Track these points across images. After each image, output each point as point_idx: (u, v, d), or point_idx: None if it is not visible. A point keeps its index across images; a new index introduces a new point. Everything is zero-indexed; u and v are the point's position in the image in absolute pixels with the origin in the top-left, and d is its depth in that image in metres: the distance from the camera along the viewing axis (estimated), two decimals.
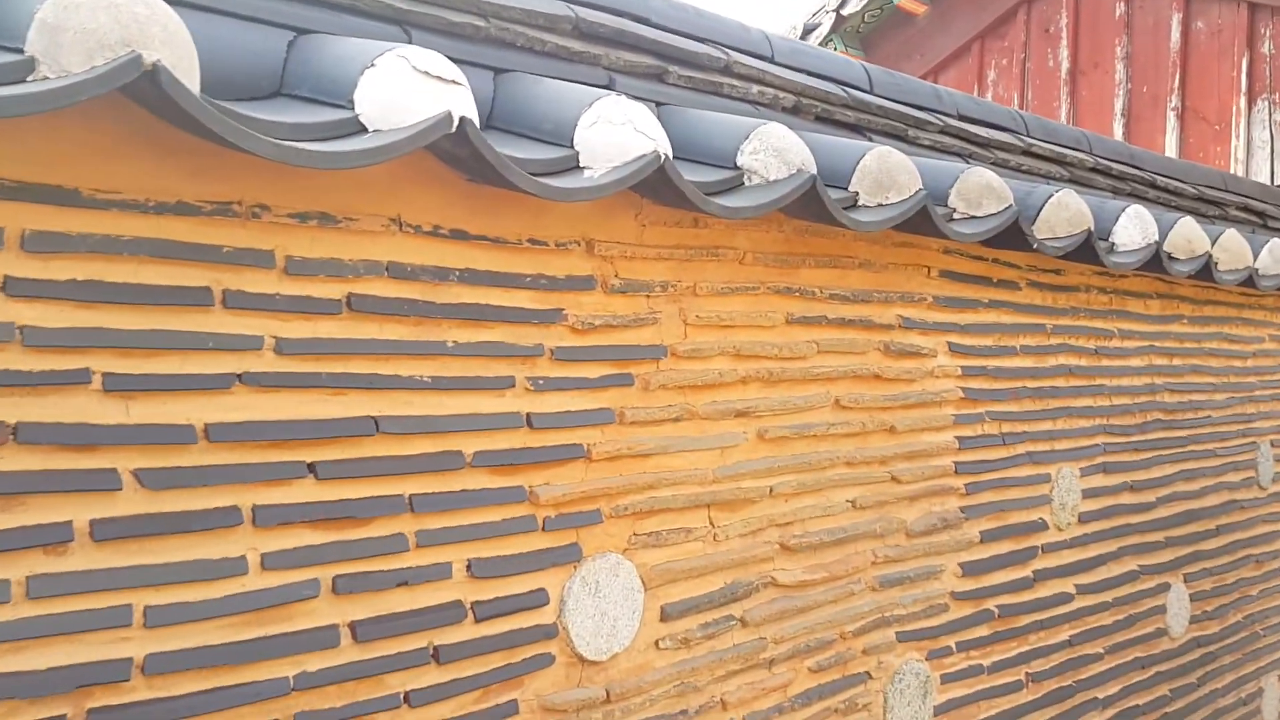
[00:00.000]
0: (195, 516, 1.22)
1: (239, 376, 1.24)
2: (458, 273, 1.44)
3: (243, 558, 1.26)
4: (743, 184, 1.73)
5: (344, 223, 1.31)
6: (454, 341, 1.44)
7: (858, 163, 1.93)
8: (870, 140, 2.26)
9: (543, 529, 1.55)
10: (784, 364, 1.94)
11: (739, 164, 1.72)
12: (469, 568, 1.47)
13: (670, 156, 1.49)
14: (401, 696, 1.40)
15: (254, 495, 1.27)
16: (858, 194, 1.93)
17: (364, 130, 1.22)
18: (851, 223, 1.84)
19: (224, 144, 1.05)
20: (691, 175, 1.65)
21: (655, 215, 1.68)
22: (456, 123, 1.23)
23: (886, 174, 1.94)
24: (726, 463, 1.85)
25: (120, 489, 1.16)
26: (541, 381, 1.54)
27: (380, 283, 1.36)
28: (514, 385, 1.51)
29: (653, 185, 1.54)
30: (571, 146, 1.49)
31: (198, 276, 1.21)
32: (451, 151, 1.29)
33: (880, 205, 1.95)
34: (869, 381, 2.14)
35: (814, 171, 1.73)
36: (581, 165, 1.48)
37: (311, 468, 1.31)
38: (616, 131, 1.47)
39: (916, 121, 2.48)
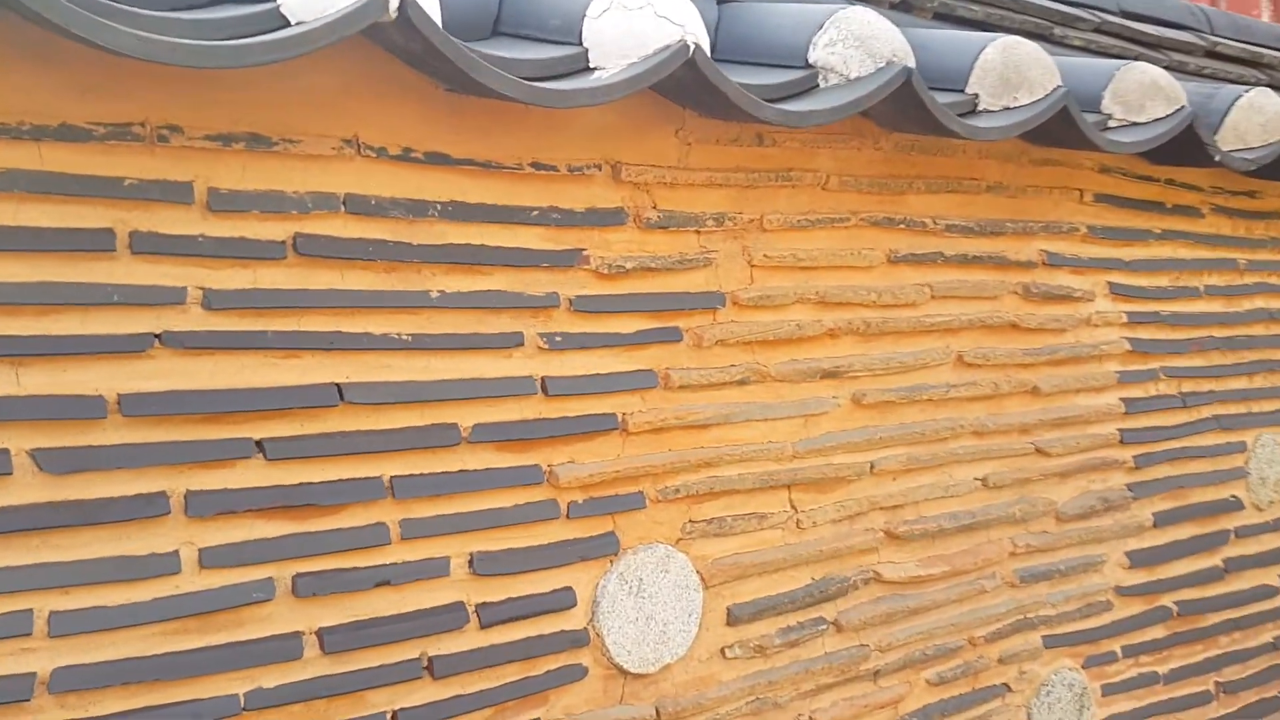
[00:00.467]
0: (110, 505, 1.01)
1: (158, 337, 1.02)
2: (439, 206, 1.17)
3: (175, 554, 1.04)
4: (817, 85, 1.39)
5: (281, 145, 1.07)
6: (439, 291, 1.18)
7: (977, 56, 1.55)
8: None
9: (566, 516, 1.28)
10: (886, 313, 1.59)
11: (812, 60, 1.38)
12: (471, 563, 1.21)
13: (702, 47, 1.17)
14: (389, 716, 1.16)
15: (186, 479, 1.05)
16: (977, 96, 1.54)
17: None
18: (967, 130, 1.47)
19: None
20: (750, 78, 1.33)
21: (703, 131, 1.36)
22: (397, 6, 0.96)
23: (1014, 69, 1.55)
24: (812, 434, 1.52)
25: (11, 473, 0.96)
26: (559, 338, 1.26)
27: (336, 220, 1.11)
28: (523, 343, 1.24)
29: (687, 87, 1.23)
30: (580, 43, 1.19)
31: (95, 216, 0.99)
32: (405, 46, 1.03)
33: (1006, 109, 1.56)
34: (1003, 332, 1.75)
35: (909, 63, 1.37)
36: (591, 65, 1.18)
37: (260, 445, 1.08)
38: (632, 19, 1.16)
39: (1064, 18, 2.04)
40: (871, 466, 1.58)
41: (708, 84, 1.20)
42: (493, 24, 1.28)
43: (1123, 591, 1.91)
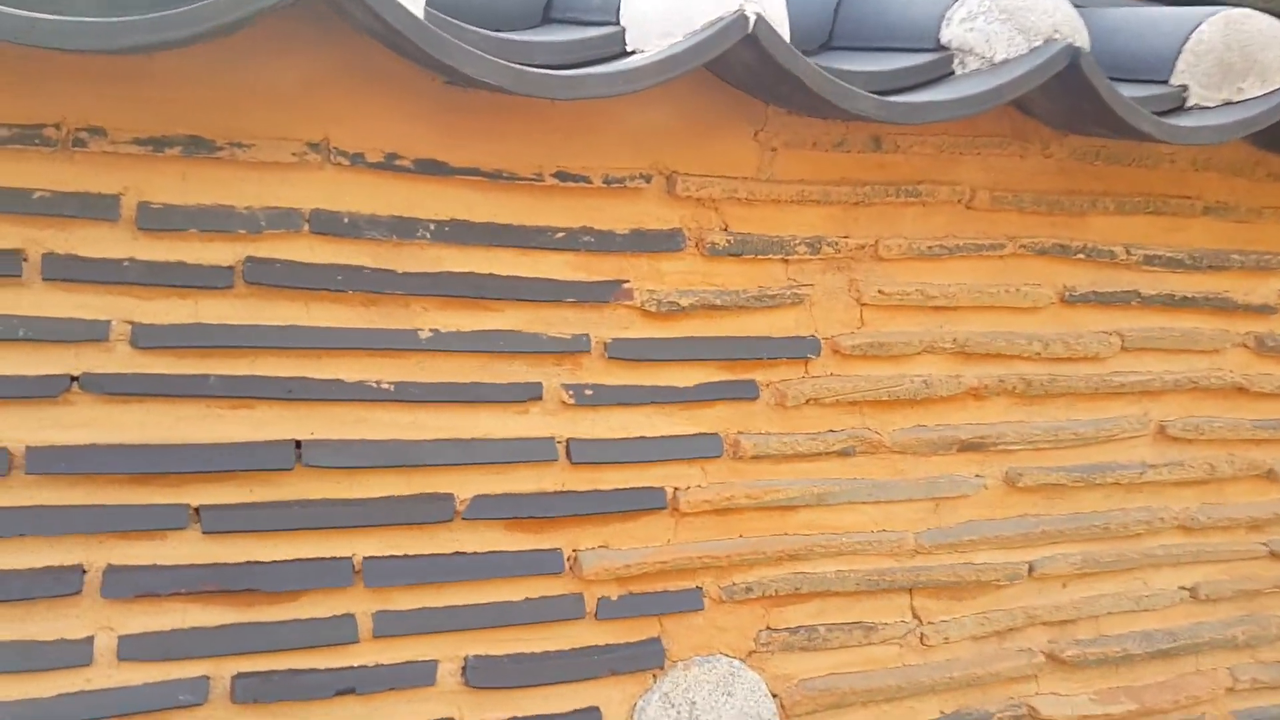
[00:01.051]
0: (11, 580, 0.85)
1: (75, 379, 0.86)
2: (433, 226, 0.95)
3: (88, 641, 0.87)
4: (951, 72, 1.07)
5: (228, 151, 0.88)
6: (432, 330, 0.95)
7: (1188, 36, 1.17)
8: None
9: (594, 616, 1.02)
10: (1056, 368, 1.23)
11: (944, 40, 1.07)
12: (464, 671, 0.97)
13: (768, 19, 0.89)
14: None
15: (105, 551, 0.87)
16: (1186, 88, 1.16)
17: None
18: (1165, 131, 1.10)
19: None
20: (868, 64, 1.03)
21: (792, 132, 1.07)
22: None
23: (1239, 50, 1.16)
24: (945, 522, 1.18)
25: None
26: (589, 391, 1.01)
27: (298, 241, 0.91)
28: (541, 397, 0.99)
29: (761, 76, 0.95)
30: (617, 22, 0.94)
31: None
32: (386, 34, 0.81)
33: (1227, 104, 1.17)
34: (1225, 396, 1.33)
35: (1076, 41, 1.03)
36: (627, 47, 0.93)
37: (197, 513, 0.89)
38: None
39: None
40: (1030, 569, 1.22)
41: (781, 69, 0.92)
42: (542, 10, 1.06)
43: None
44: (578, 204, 1.00)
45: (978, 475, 1.19)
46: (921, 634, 1.17)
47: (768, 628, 1.10)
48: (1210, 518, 1.32)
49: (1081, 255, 1.23)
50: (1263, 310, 1.34)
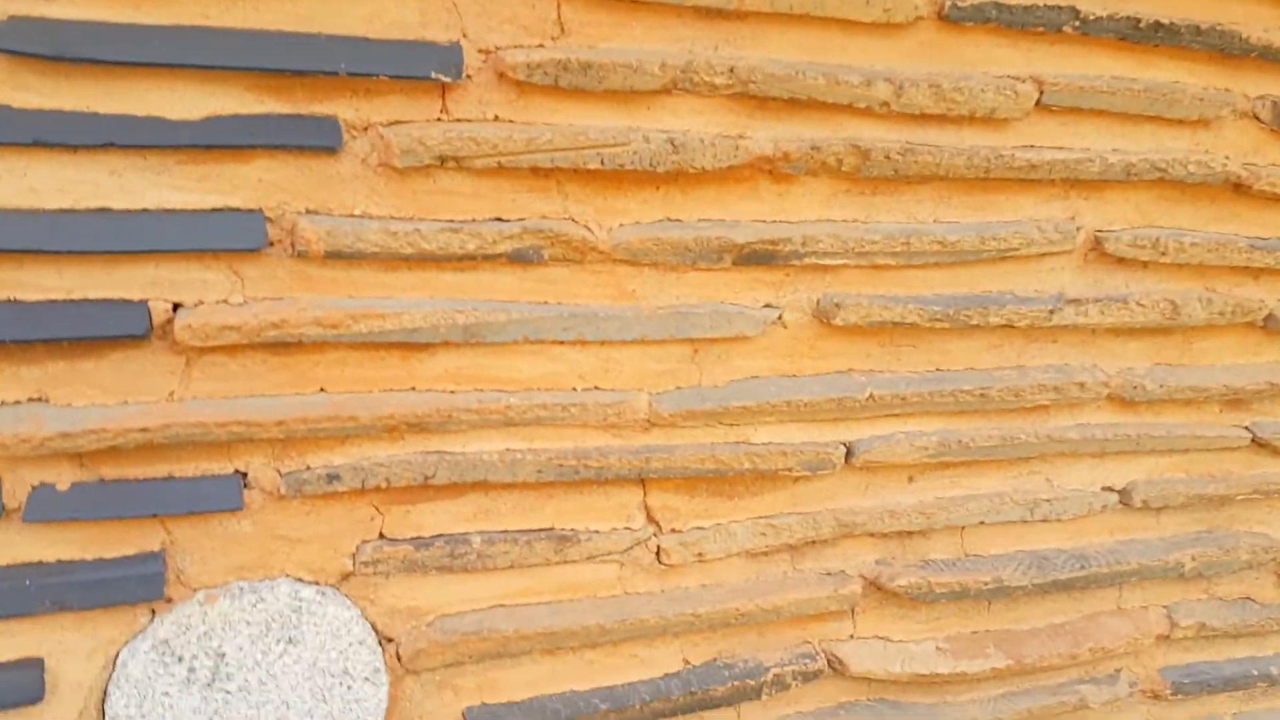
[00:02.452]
0: None
1: None
2: None
3: None
4: None
5: None
6: None
7: None
8: None
9: (20, 517, 0.60)
10: (916, 131, 0.75)
11: None
12: None
13: None
14: None
15: None
16: None
17: None
18: None
19: None
20: None
21: None
22: None
23: None
24: (706, 379, 0.74)
25: None
26: None
27: None
28: None
29: None
30: None
31: None
32: None
33: None
34: (1211, 198, 0.86)
35: None
36: None
37: None
38: None
39: None
40: (849, 454, 0.77)
41: None
42: None
43: None
44: None
45: (768, 305, 0.74)
46: (659, 548, 0.74)
47: (381, 537, 0.68)
48: (1164, 385, 0.85)
49: None
50: None
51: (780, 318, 0.74)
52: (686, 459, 0.72)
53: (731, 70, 0.68)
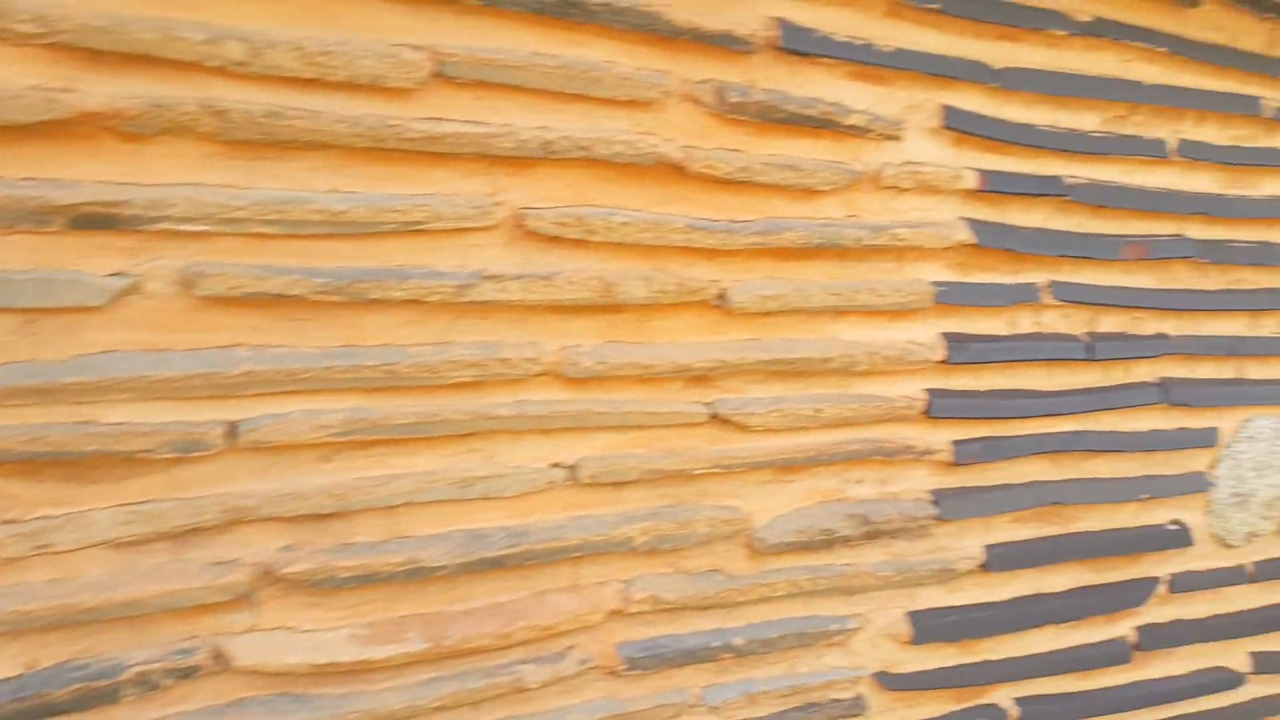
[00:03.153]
0: None
1: None
2: None
3: None
4: None
5: None
6: None
7: None
8: None
9: None
10: (289, 95, 0.72)
11: None
12: None
13: None
14: None
15: None
16: None
17: None
18: None
19: None
20: None
21: None
22: None
23: None
24: (47, 353, 0.68)
25: None
26: None
27: None
28: None
29: None
30: None
31: None
32: None
33: None
34: (652, 178, 0.87)
35: None
36: None
37: None
38: None
39: None
40: (234, 431, 0.74)
41: None
42: None
43: (889, 683, 1.04)
44: None
45: (117, 274, 0.69)
46: None
47: None
48: (604, 362, 0.86)
49: None
50: (725, 43, 0.85)
51: (136, 287, 0.69)
52: (11, 441, 0.67)
53: (42, 19, 0.63)
